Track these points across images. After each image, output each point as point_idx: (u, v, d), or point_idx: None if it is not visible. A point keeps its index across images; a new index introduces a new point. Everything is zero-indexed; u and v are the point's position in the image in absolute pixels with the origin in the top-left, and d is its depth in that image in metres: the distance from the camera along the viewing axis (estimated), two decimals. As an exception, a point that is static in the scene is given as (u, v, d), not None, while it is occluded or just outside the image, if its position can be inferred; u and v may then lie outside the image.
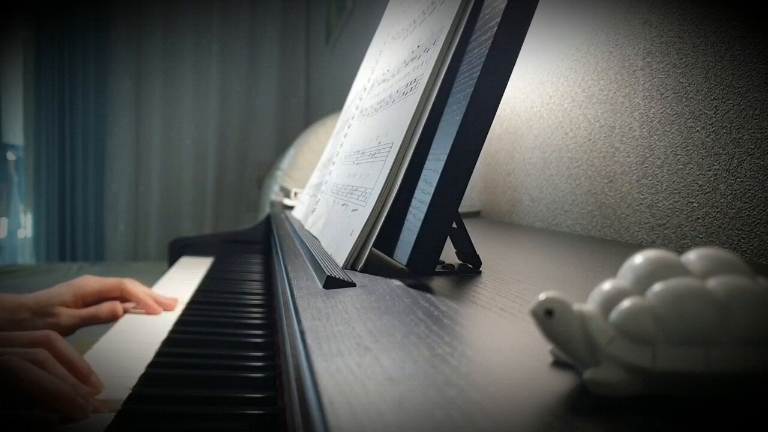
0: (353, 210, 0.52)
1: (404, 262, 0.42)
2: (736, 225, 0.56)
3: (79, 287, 0.82)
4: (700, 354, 0.19)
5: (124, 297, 0.84)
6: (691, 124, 0.62)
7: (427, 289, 0.38)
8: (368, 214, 0.46)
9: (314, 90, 3.61)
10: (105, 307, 0.80)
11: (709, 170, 0.60)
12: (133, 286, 0.84)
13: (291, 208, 1.41)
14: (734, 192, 0.56)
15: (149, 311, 0.82)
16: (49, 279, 2.28)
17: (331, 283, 0.40)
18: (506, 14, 0.40)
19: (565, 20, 0.88)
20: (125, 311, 0.83)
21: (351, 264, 0.46)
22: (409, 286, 0.39)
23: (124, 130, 3.40)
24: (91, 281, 0.84)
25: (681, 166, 0.64)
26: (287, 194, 1.56)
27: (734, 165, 0.56)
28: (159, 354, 0.62)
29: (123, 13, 3.38)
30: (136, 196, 3.45)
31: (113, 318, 0.80)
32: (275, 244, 0.82)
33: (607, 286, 0.22)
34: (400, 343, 0.26)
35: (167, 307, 0.84)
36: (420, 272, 0.43)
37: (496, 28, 0.40)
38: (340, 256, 0.48)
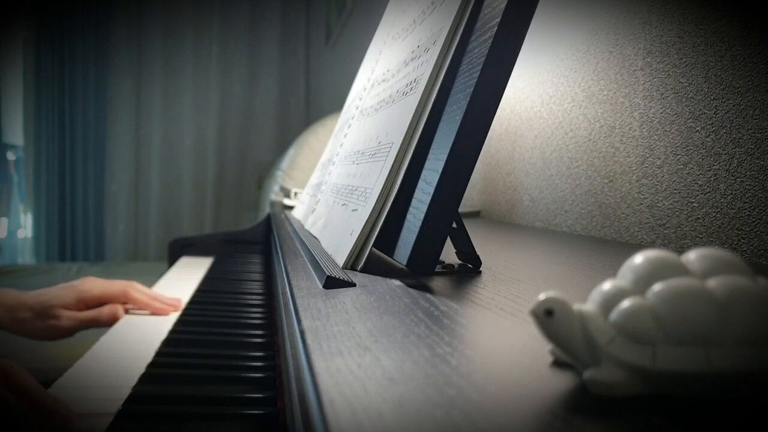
0: (353, 210, 0.52)
1: (404, 262, 0.42)
2: (736, 225, 0.56)
3: (82, 291, 0.81)
4: (700, 354, 0.19)
5: (127, 303, 0.83)
6: (691, 124, 0.62)
7: (427, 289, 0.38)
8: (368, 214, 0.46)
9: (314, 90, 3.61)
10: (106, 311, 0.80)
11: (709, 170, 0.60)
12: (137, 294, 0.83)
13: (291, 208, 1.41)
14: (734, 192, 0.56)
15: (157, 313, 0.82)
16: (49, 279, 2.28)
17: (331, 283, 0.40)
18: (506, 14, 0.40)
19: (565, 20, 0.88)
20: (126, 311, 0.83)
21: (351, 264, 0.46)
22: (409, 286, 0.39)
23: (124, 130, 3.40)
24: (95, 286, 0.83)
25: (681, 166, 0.64)
26: (287, 194, 1.56)
27: (734, 165, 0.56)
28: (159, 354, 0.62)
29: (123, 13, 3.38)
30: (136, 196, 3.45)
31: (114, 321, 0.80)
32: (275, 244, 0.82)
33: (607, 286, 0.22)
34: (400, 343, 0.26)
35: (172, 306, 0.84)
36: (420, 272, 0.43)
37: (496, 28, 0.40)
38: (340, 256, 0.48)
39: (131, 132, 3.41)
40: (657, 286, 0.20)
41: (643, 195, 0.70)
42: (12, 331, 0.78)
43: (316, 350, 0.26)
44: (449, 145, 0.41)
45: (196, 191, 3.49)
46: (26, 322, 0.77)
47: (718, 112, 0.58)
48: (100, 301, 0.83)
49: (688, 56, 0.63)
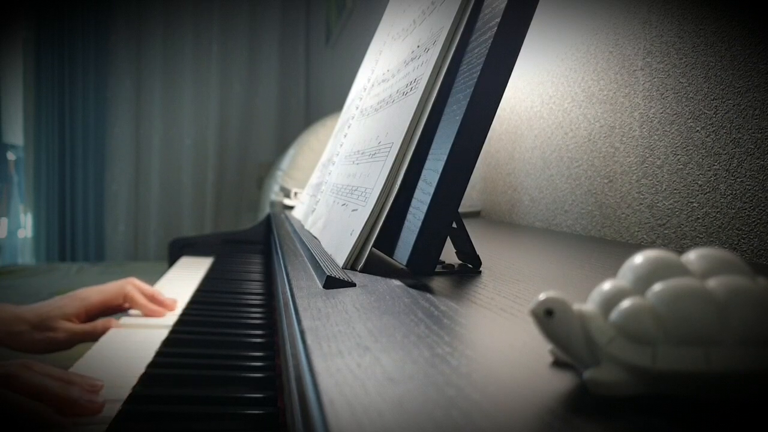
0: (353, 210, 0.52)
1: (404, 262, 0.42)
2: (736, 225, 0.56)
3: (83, 299, 0.81)
4: (700, 354, 0.19)
5: (127, 304, 0.84)
6: (691, 124, 0.62)
7: (427, 289, 0.38)
8: (368, 214, 0.46)
9: (314, 90, 3.61)
10: (100, 325, 0.79)
11: (709, 170, 0.60)
12: (135, 294, 0.83)
13: (291, 208, 1.41)
14: (734, 192, 0.56)
15: (153, 315, 0.82)
16: (49, 279, 2.28)
17: (331, 283, 0.40)
18: (506, 14, 0.40)
19: (565, 20, 0.88)
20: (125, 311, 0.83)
21: (351, 264, 0.46)
22: (409, 286, 0.39)
23: (124, 130, 3.40)
24: (92, 294, 0.83)
25: (681, 166, 0.64)
26: (287, 194, 1.56)
27: (734, 165, 0.56)
28: (159, 354, 0.62)
29: (123, 13, 3.38)
30: (136, 196, 3.45)
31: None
32: (275, 244, 0.82)
33: (607, 286, 0.22)
34: (400, 343, 0.26)
35: (167, 308, 0.84)
36: (420, 272, 0.43)
37: (496, 28, 0.40)
38: (340, 256, 0.48)
39: (131, 132, 3.41)
40: (657, 286, 0.20)
41: (643, 195, 0.70)
42: (7, 345, 0.77)
43: (316, 350, 0.26)
44: (449, 145, 0.41)
45: (196, 191, 3.49)
46: (23, 335, 0.76)
47: (718, 112, 0.58)
48: (102, 307, 0.83)
49: (688, 56, 0.63)
